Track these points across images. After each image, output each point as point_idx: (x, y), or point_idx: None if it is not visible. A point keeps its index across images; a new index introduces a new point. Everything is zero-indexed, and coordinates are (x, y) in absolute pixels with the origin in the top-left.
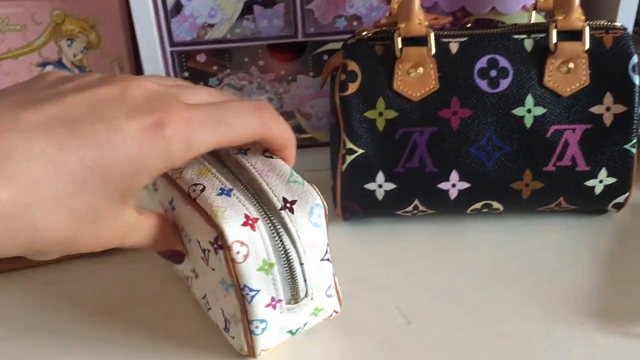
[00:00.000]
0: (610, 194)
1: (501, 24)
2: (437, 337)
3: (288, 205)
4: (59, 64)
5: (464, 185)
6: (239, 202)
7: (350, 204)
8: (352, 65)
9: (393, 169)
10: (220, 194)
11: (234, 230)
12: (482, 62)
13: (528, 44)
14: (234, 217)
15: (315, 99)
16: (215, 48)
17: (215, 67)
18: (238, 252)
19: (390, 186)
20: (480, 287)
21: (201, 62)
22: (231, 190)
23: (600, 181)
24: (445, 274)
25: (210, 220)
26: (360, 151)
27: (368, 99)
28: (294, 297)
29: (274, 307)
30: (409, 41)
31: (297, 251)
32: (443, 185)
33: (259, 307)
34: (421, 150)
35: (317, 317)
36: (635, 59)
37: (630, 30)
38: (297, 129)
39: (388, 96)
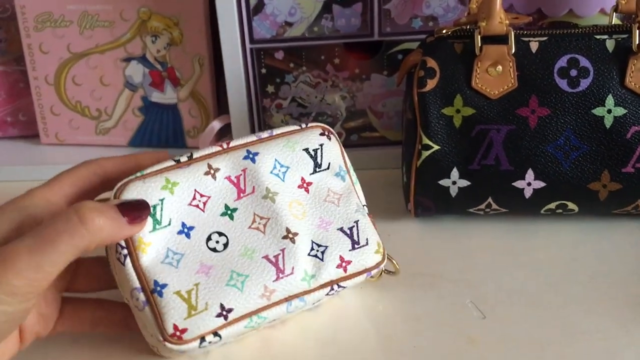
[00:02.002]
0: None
1: (584, 25)
2: (514, 332)
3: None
4: (143, 59)
5: (540, 184)
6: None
7: (423, 200)
8: (431, 62)
9: (468, 166)
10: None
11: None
12: (562, 62)
13: (610, 45)
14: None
15: (387, 98)
16: (293, 46)
17: (291, 65)
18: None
19: (464, 183)
20: (554, 286)
21: (279, 60)
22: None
23: None
24: (518, 272)
25: (306, 128)
26: (436, 147)
27: (446, 96)
28: None
29: None
30: (489, 39)
31: None
32: (518, 184)
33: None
34: (497, 148)
35: None
36: None
37: None
38: (368, 127)
39: (466, 93)
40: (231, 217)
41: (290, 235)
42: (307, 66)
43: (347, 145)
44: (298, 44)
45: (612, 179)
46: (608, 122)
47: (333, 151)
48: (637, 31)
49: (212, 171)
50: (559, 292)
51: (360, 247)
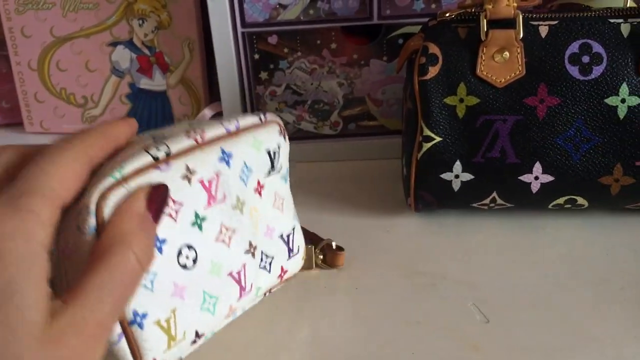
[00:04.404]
0: None
1: (597, 8)
2: (519, 338)
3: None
4: (130, 43)
5: (548, 178)
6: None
7: (425, 194)
8: (433, 48)
9: (472, 158)
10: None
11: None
12: (573, 47)
13: (625, 29)
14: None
15: (387, 84)
16: (287, 29)
17: (286, 50)
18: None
19: (467, 177)
20: (562, 287)
21: (272, 44)
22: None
23: None
24: (524, 271)
25: (266, 122)
26: (438, 139)
27: (449, 84)
28: None
29: None
30: (496, 23)
31: None
32: (525, 178)
33: None
34: (503, 139)
35: None
36: None
37: None
38: (367, 116)
39: (470, 82)
40: (200, 227)
41: (252, 250)
42: (303, 51)
43: (344, 134)
44: (292, 28)
45: (625, 172)
46: (622, 112)
47: (285, 152)
48: None
49: (189, 174)
50: (568, 294)
51: (294, 255)
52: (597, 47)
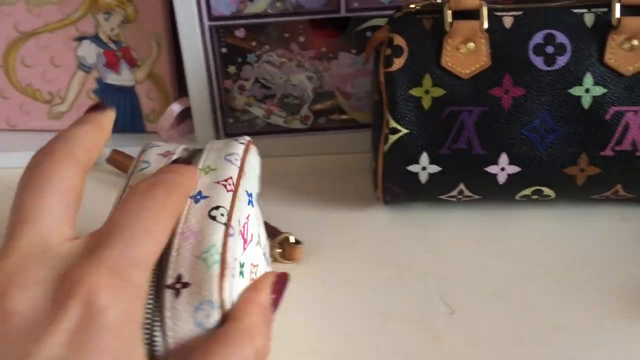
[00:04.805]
0: None
1: None
2: (483, 328)
3: (178, 285)
4: (96, 38)
5: (514, 169)
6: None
7: (392, 186)
8: (398, 40)
9: (438, 150)
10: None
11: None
12: (538, 38)
13: (588, 19)
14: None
15: (356, 77)
16: (255, 23)
17: (254, 43)
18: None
19: (434, 169)
20: (528, 277)
21: (240, 38)
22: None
23: None
24: (491, 263)
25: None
26: (404, 131)
27: (414, 76)
28: None
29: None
30: (460, 14)
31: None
32: (491, 169)
33: None
34: (469, 130)
35: None
36: None
37: None
38: (337, 110)
39: (435, 73)
40: (242, 275)
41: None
42: (271, 45)
43: (315, 128)
44: (260, 21)
45: (591, 162)
46: (586, 102)
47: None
48: (617, 4)
49: (240, 228)
50: (533, 285)
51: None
52: (561, 38)
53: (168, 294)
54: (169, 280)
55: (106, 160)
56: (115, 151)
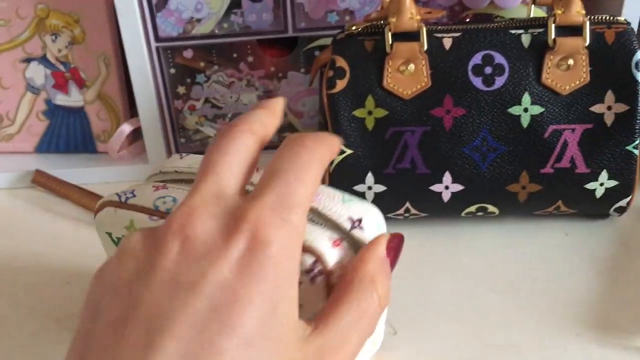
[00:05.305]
0: (611, 197)
1: (500, 19)
2: (424, 348)
3: (357, 224)
4: (44, 59)
5: (458, 187)
6: (313, 227)
7: None
8: (341, 62)
9: (383, 170)
10: None
11: (329, 252)
12: (476, 59)
13: (525, 40)
14: (322, 241)
15: (307, 96)
16: (202, 44)
17: (202, 64)
18: (339, 276)
19: (380, 188)
20: (472, 295)
21: (188, 58)
22: None
23: (601, 184)
24: (437, 280)
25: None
26: (348, 151)
27: (357, 97)
28: None
29: None
30: (400, 36)
31: None
32: (436, 188)
33: None
34: (412, 150)
35: None
36: (638, 55)
37: (635, 25)
38: (289, 128)
39: (378, 94)
40: None
41: None
42: (219, 65)
43: (267, 147)
44: (207, 42)
45: (531, 180)
46: (525, 121)
47: (311, 295)
48: (553, 25)
49: None
50: (476, 303)
51: None
52: (499, 58)
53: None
54: (348, 225)
55: (31, 181)
56: (37, 172)
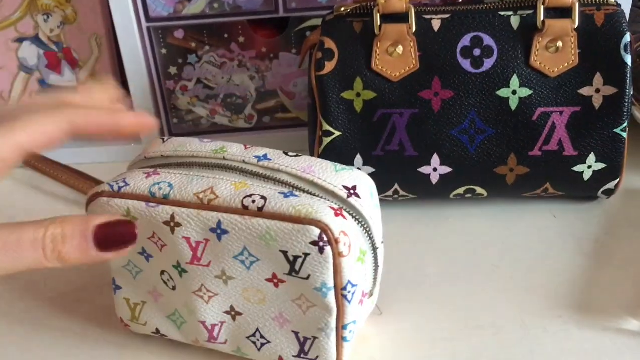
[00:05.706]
0: (599, 180)
1: (489, 0)
2: (408, 328)
3: (352, 191)
4: (36, 39)
5: (446, 169)
6: (313, 200)
7: None
8: (329, 43)
9: (372, 152)
10: (287, 196)
11: (334, 222)
12: (465, 41)
13: (514, 22)
14: (325, 211)
15: (298, 77)
16: (193, 24)
17: (194, 44)
18: (345, 244)
19: (369, 170)
20: (459, 276)
21: (179, 39)
22: (291, 191)
23: (589, 167)
24: (424, 262)
25: (304, 220)
26: (337, 133)
27: (345, 79)
28: (371, 290)
29: (362, 303)
30: (389, 18)
31: (373, 235)
32: (424, 170)
33: (355, 307)
34: (401, 132)
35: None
36: (627, 37)
37: (627, 7)
38: (281, 109)
39: (366, 76)
40: (180, 275)
41: (233, 313)
42: (211, 45)
43: (260, 127)
44: (198, 22)
45: (519, 162)
46: (513, 103)
47: (320, 266)
48: (542, 7)
49: (172, 224)
50: (461, 284)
51: (305, 358)
52: (487, 40)
53: None
54: (344, 193)
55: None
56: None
